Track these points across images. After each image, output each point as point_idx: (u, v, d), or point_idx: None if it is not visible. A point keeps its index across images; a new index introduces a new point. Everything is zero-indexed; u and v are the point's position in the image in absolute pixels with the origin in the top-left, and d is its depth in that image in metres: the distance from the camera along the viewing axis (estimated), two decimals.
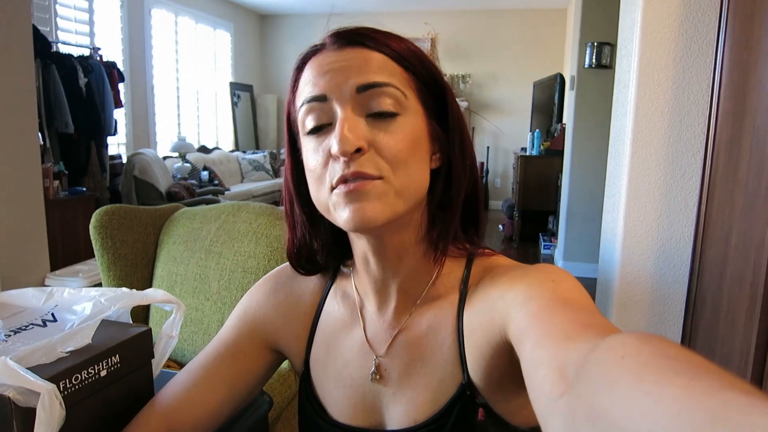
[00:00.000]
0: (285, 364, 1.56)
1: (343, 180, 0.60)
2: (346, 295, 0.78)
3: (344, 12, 8.11)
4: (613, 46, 4.03)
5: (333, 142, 0.59)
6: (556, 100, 5.87)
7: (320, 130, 0.62)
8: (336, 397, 0.76)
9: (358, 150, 0.59)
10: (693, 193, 1.77)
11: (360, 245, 0.70)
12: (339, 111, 0.60)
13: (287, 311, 0.79)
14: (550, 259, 5.29)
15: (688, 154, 1.76)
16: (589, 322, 0.49)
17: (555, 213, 5.45)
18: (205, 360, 0.78)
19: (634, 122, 1.81)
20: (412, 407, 0.70)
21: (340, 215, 0.62)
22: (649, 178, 1.80)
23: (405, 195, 0.62)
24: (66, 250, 3.26)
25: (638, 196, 1.82)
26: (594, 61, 4.21)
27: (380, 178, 0.60)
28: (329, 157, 0.61)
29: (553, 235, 5.45)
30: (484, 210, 0.76)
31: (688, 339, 1.79)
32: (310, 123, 0.63)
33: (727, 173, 1.59)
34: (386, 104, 0.61)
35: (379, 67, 0.62)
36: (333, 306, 0.78)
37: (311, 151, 0.63)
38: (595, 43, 4.18)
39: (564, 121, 5.50)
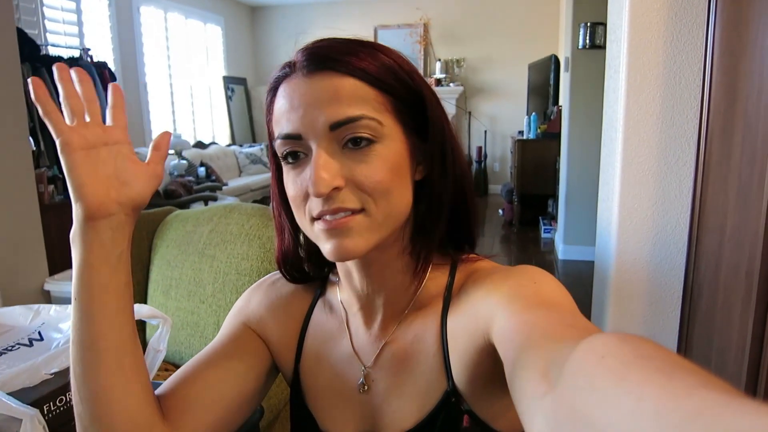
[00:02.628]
0: None
1: (324, 215, 0.60)
2: (333, 306, 0.78)
3: (339, 2, 8.05)
4: (605, 26, 3.99)
5: (309, 183, 0.59)
6: (552, 82, 5.83)
7: (297, 160, 0.62)
8: (326, 406, 0.76)
9: (337, 188, 0.59)
10: (687, 179, 1.75)
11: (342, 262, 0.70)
12: (314, 148, 0.60)
13: (278, 316, 0.79)
14: (550, 243, 5.29)
15: (682, 140, 1.74)
16: (571, 323, 0.50)
17: (554, 196, 5.43)
18: (207, 356, 0.75)
19: (625, 108, 1.79)
20: (398, 416, 0.71)
21: (323, 246, 0.63)
22: (643, 165, 1.78)
23: (387, 223, 0.63)
24: (64, 254, 3.24)
25: (632, 184, 1.81)
26: (588, 41, 4.17)
27: (362, 210, 0.61)
28: (307, 191, 0.61)
29: (553, 218, 5.44)
30: (477, 208, 0.75)
31: (685, 327, 1.78)
32: (287, 156, 0.62)
33: (721, 159, 1.58)
34: (361, 136, 0.59)
35: (350, 96, 0.59)
36: (321, 316, 0.78)
37: (290, 181, 0.63)
38: (589, 24, 4.15)
39: (560, 103, 5.47)
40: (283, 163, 0.64)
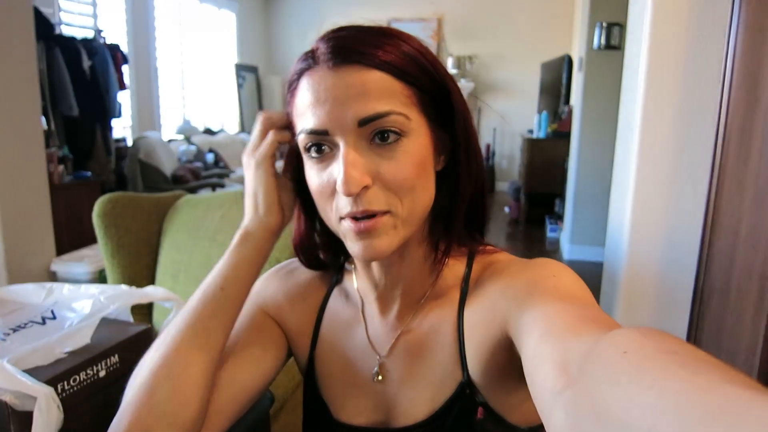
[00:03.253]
0: None
1: (352, 216, 0.60)
2: (349, 294, 0.78)
3: None
4: (622, 27, 3.96)
5: (339, 181, 0.58)
6: (564, 82, 5.80)
7: (321, 153, 0.61)
8: (339, 395, 0.76)
9: (365, 186, 0.58)
10: (702, 181, 1.74)
11: None
12: (341, 145, 0.59)
13: (295, 304, 0.79)
14: (556, 242, 5.27)
15: (698, 141, 1.73)
16: (590, 317, 0.50)
17: (561, 196, 5.41)
18: (229, 344, 0.75)
19: (643, 108, 1.77)
20: (413, 406, 0.71)
21: (351, 247, 0.63)
22: (658, 165, 1.77)
23: (412, 220, 0.63)
24: (72, 235, 3.27)
25: (646, 184, 1.80)
26: (603, 42, 4.14)
27: (388, 212, 0.60)
28: (334, 188, 0.61)
29: (559, 218, 5.42)
30: (489, 201, 0.75)
31: (694, 330, 1.77)
32: (311, 149, 0.62)
33: (738, 163, 1.56)
34: (389, 130, 0.59)
35: (378, 91, 0.59)
36: (337, 305, 0.78)
37: (314, 174, 0.63)
38: (605, 24, 4.11)
39: (572, 103, 5.44)
40: (304, 155, 0.64)
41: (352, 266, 0.78)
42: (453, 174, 0.67)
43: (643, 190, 1.80)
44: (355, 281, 0.77)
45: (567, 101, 5.77)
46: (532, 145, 5.72)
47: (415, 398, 0.71)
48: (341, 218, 0.62)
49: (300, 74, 0.63)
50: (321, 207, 0.64)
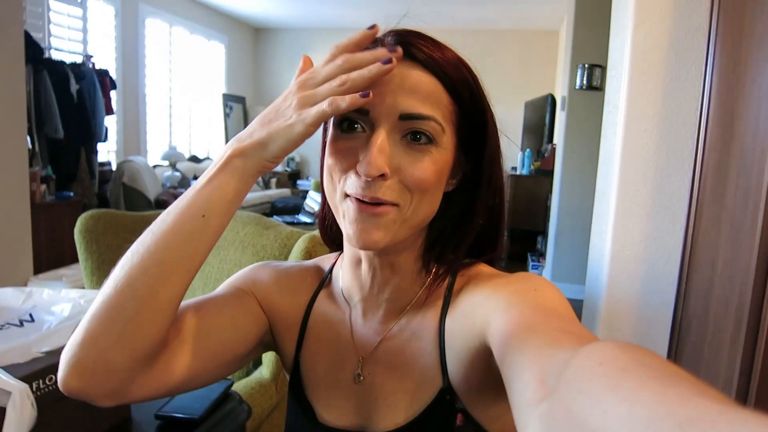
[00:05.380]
0: (266, 373, 1.54)
1: (358, 198, 0.60)
2: (336, 295, 0.78)
3: (343, 28, 8.16)
4: (603, 69, 4.07)
5: (362, 160, 0.59)
6: (547, 121, 5.91)
7: (351, 131, 0.62)
8: (323, 396, 0.76)
9: (382, 175, 0.59)
10: (681, 215, 1.77)
11: (355, 249, 0.70)
12: (376, 129, 0.60)
13: (284, 294, 0.79)
14: None
15: (676, 176, 1.77)
16: (569, 330, 0.50)
17: (544, 233, 5.46)
18: (210, 299, 0.73)
19: (623, 143, 1.82)
20: (392, 411, 0.71)
21: (346, 228, 0.63)
22: (638, 199, 1.81)
23: (412, 223, 0.64)
24: (51, 254, 3.22)
25: (626, 217, 1.83)
26: (585, 82, 4.25)
27: (395, 205, 0.61)
28: (351, 167, 0.61)
29: (542, 255, 5.46)
30: (503, 240, 0.77)
31: (672, 361, 1.78)
32: (344, 123, 0.62)
33: (715, 197, 1.60)
34: (423, 133, 0.61)
35: (428, 95, 0.60)
36: (324, 305, 0.78)
37: (334, 148, 0.63)
38: (587, 65, 4.23)
39: (554, 141, 5.53)
40: (332, 128, 0.64)
41: (341, 266, 0.77)
42: (465, 201, 0.69)
43: (623, 222, 1.83)
44: (341, 284, 0.77)
45: (550, 140, 5.87)
46: (515, 182, 5.79)
47: (395, 403, 0.71)
48: (346, 195, 0.62)
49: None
50: (328, 182, 0.65)
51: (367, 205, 0.60)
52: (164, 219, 0.61)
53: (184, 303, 0.66)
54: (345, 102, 0.56)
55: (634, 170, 1.80)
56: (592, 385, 0.36)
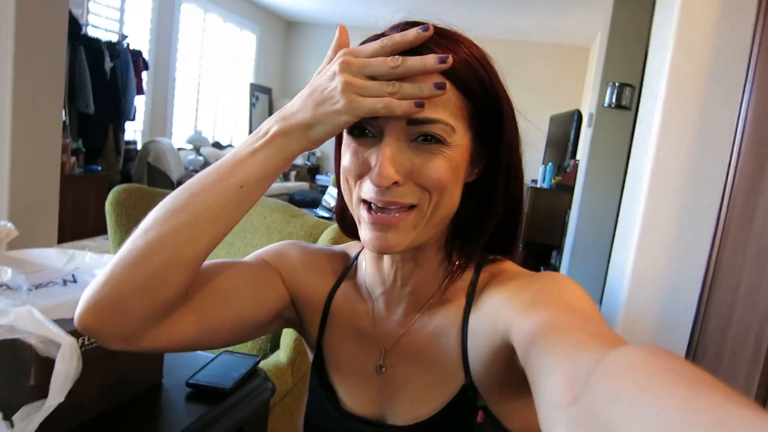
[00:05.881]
0: (283, 358, 1.56)
1: (373, 205, 0.61)
2: (359, 285, 0.78)
3: (373, 27, 8.18)
4: (633, 88, 4.06)
5: (373, 171, 0.59)
6: (572, 136, 5.89)
7: (363, 136, 0.62)
8: (345, 383, 0.77)
9: (395, 182, 0.59)
10: (706, 238, 1.77)
11: None
12: (385, 135, 0.60)
13: (310, 274, 0.79)
14: None
15: (705, 199, 1.77)
16: (596, 331, 0.49)
17: (559, 248, 5.44)
18: (236, 264, 0.74)
19: (653, 163, 1.82)
20: (414, 404, 0.71)
21: (363, 233, 0.63)
22: (664, 218, 1.81)
23: (434, 221, 0.63)
24: (75, 225, 3.28)
25: (651, 236, 1.83)
26: (614, 100, 4.23)
27: (414, 206, 0.61)
28: (366, 172, 0.62)
29: (555, 270, 5.44)
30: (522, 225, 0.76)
31: None
32: (354, 130, 0.62)
33: (742, 222, 1.60)
34: (432, 135, 0.60)
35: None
36: (347, 292, 0.78)
37: (349, 153, 0.63)
38: (617, 83, 4.21)
39: (578, 157, 5.52)
40: (345, 133, 0.64)
41: (365, 256, 0.78)
42: (485, 190, 0.68)
43: (647, 240, 1.83)
44: (363, 275, 0.77)
45: (573, 155, 5.86)
46: (535, 195, 5.77)
47: (417, 397, 0.71)
48: (362, 201, 0.63)
49: None
50: (344, 184, 0.65)
51: (382, 215, 0.61)
52: (202, 182, 0.62)
53: (208, 261, 0.67)
54: (402, 108, 0.57)
55: (662, 190, 1.81)
56: (619, 389, 0.35)
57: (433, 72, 0.58)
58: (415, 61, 0.58)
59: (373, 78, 0.58)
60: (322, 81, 0.60)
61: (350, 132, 0.63)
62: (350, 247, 0.84)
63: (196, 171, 5.60)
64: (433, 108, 0.59)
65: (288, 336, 1.58)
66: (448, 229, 0.70)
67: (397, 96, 0.57)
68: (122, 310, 0.59)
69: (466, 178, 0.66)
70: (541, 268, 5.63)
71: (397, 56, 0.58)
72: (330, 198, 4.95)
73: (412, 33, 0.59)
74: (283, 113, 0.62)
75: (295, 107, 0.61)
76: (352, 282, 0.79)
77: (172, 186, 4.81)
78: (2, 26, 2.38)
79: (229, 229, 0.62)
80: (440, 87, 0.57)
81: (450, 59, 0.58)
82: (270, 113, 8.46)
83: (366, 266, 0.76)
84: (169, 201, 0.62)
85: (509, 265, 0.73)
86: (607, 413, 0.35)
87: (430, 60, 0.57)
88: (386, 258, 0.71)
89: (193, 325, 0.66)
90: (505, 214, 0.70)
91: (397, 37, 0.59)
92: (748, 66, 1.70)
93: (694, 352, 1.78)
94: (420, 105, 0.57)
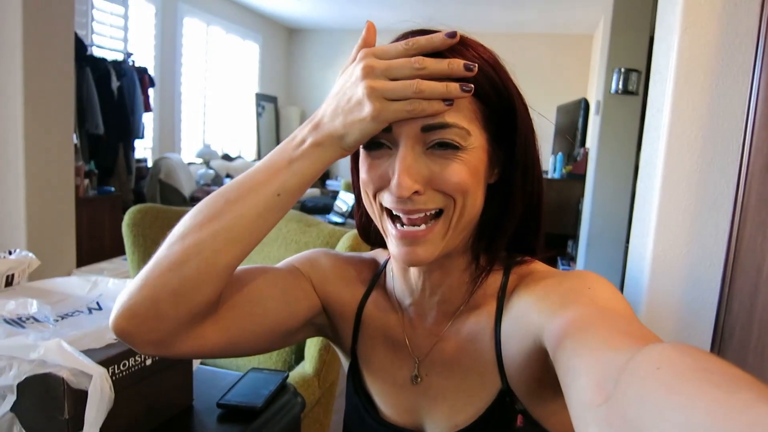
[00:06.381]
0: (309, 369, 1.56)
1: (398, 216, 0.62)
2: (389, 294, 0.78)
3: (378, 30, 8.18)
4: (640, 73, 4.03)
5: (392, 182, 0.59)
6: (580, 125, 5.86)
7: (378, 149, 0.63)
8: (381, 392, 0.77)
9: (416, 191, 0.60)
10: (725, 219, 1.76)
11: None
12: (401, 145, 0.60)
13: (340, 283, 0.79)
14: None
15: (721, 180, 1.75)
16: (627, 330, 0.49)
17: (574, 237, 5.42)
18: (266, 269, 0.75)
19: (666, 147, 1.80)
20: (452, 412, 0.71)
21: (391, 247, 0.64)
22: (681, 202, 1.79)
23: (461, 226, 0.64)
24: (91, 248, 3.31)
25: (668, 221, 1.81)
26: (621, 86, 4.20)
27: (441, 211, 0.62)
28: (386, 184, 0.62)
29: (572, 259, 5.41)
30: (544, 224, 0.76)
31: None
32: (369, 143, 0.63)
33: (760, 201, 1.58)
34: (448, 142, 0.60)
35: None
36: (378, 301, 0.78)
37: (366, 166, 0.64)
38: (623, 69, 4.18)
39: (587, 145, 5.49)
40: (361, 147, 0.65)
41: (391, 267, 0.78)
42: (505, 190, 0.67)
43: (666, 225, 1.82)
44: (393, 283, 0.77)
45: (582, 144, 5.83)
46: (546, 186, 5.64)
47: (454, 404, 0.71)
48: (385, 209, 0.63)
49: None
50: (365, 196, 0.66)
51: (409, 229, 0.61)
52: (238, 190, 0.63)
53: (240, 267, 0.67)
54: (431, 107, 0.57)
55: (677, 174, 1.79)
56: (648, 390, 0.35)
57: (459, 76, 0.58)
58: (440, 65, 0.58)
59: (394, 79, 0.58)
60: (347, 87, 0.60)
61: (366, 147, 0.63)
62: (379, 254, 0.84)
63: (208, 185, 5.63)
64: (447, 113, 0.59)
65: (312, 346, 1.58)
66: (472, 232, 0.69)
67: (423, 95, 0.57)
68: (156, 315, 0.60)
69: (487, 180, 0.66)
70: (558, 258, 5.60)
71: (421, 57, 0.58)
72: (342, 203, 4.95)
73: (438, 38, 0.59)
74: (315, 121, 0.63)
75: (326, 116, 0.62)
76: (381, 290, 0.79)
77: (185, 201, 4.84)
78: (10, 53, 2.41)
79: (263, 236, 0.64)
80: (467, 89, 0.57)
81: (476, 68, 0.58)
82: (277, 122, 8.50)
83: (394, 275, 0.77)
84: (204, 208, 0.63)
85: (538, 265, 0.73)
86: (636, 415, 0.35)
87: (455, 65, 0.58)
88: (413, 269, 0.71)
89: (225, 331, 0.67)
90: (526, 213, 0.70)
91: (422, 40, 0.59)
92: (757, 44, 1.68)
93: (721, 335, 1.76)
94: (450, 103, 0.57)
